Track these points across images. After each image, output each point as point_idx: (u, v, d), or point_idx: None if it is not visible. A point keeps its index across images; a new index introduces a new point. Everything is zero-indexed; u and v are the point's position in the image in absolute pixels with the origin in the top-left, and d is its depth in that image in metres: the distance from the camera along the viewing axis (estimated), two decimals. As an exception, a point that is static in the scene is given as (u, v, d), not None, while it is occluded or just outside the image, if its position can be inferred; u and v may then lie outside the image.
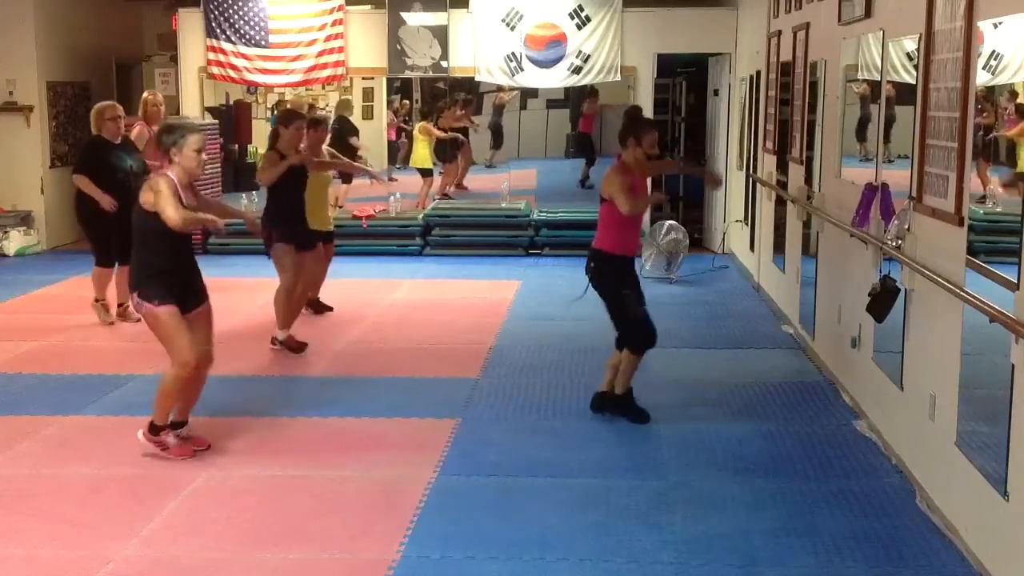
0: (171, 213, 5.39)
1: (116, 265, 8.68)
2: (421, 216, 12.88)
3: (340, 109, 14.76)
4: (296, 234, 8.02)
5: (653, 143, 6.25)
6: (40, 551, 4.70)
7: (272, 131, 8.35)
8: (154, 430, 5.75)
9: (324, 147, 9.01)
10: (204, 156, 5.72)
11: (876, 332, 6.08)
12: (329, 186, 9.04)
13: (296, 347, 8.02)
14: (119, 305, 8.94)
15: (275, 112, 14.90)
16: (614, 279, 6.28)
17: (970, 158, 4.68)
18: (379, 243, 12.55)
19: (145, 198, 5.50)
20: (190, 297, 5.70)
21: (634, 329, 6.29)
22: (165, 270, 5.60)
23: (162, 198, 5.41)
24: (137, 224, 5.63)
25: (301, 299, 8.40)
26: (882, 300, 5.60)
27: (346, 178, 14.00)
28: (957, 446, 4.71)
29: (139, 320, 8.58)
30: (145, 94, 10.16)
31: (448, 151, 15.16)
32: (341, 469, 5.68)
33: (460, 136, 15.15)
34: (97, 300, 8.93)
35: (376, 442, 6.11)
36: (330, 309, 9.43)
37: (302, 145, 8.28)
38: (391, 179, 14.88)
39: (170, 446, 5.74)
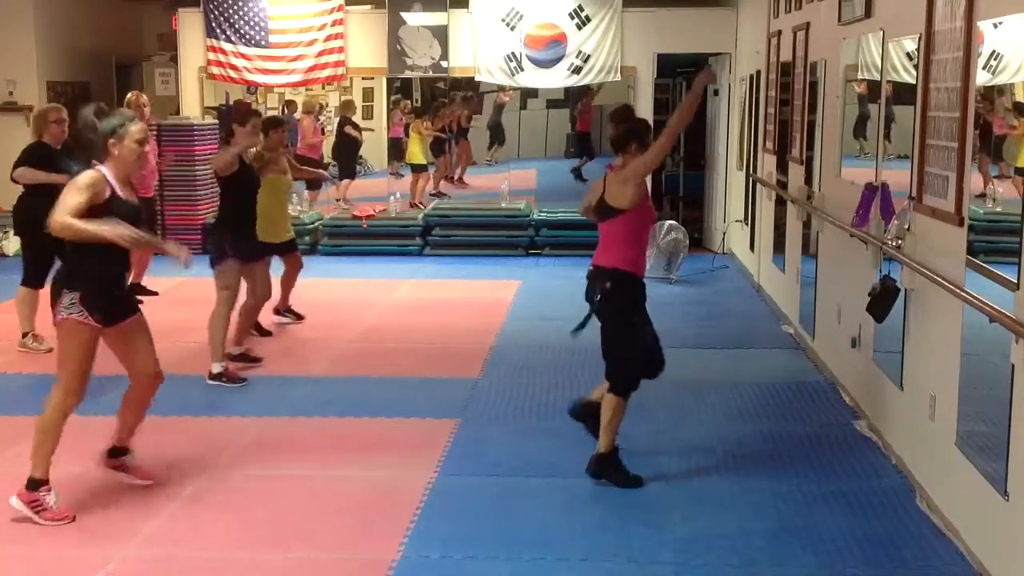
0: (56, 214, 4.76)
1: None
2: (421, 216, 12.88)
3: (343, 109, 14.77)
4: (243, 244, 7.32)
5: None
6: (40, 551, 4.70)
7: (228, 130, 7.80)
8: (33, 485, 4.98)
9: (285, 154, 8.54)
10: (146, 149, 5.13)
11: (876, 332, 6.07)
12: (289, 192, 8.53)
13: (239, 378, 7.21)
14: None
15: (285, 111, 14.92)
16: (628, 304, 5.50)
17: (970, 158, 4.69)
18: (379, 243, 12.56)
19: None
20: (120, 307, 5.10)
21: (623, 369, 5.51)
22: (103, 279, 4.98)
23: (66, 193, 4.80)
24: None
25: (253, 313, 7.85)
26: (882, 300, 5.59)
27: (347, 175, 14.03)
28: (957, 446, 4.71)
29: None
30: (129, 95, 9.92)
31: (447, 146, 15.17)
32: (341, 469, 5.68)
33: (442, 135, 15.09)
34: (25, 335, 8.02)
35: (376, 442, 6.11)
36: (301, 318, 8.96)
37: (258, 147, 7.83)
38: (398, 175, 14.90)
39: (48, 507, 4.95)
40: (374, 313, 9.57)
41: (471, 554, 4.65)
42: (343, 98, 15.09)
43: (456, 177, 15.88)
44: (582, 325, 5.55)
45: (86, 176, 4.89)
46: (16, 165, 7.96)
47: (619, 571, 4.51)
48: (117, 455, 5.42)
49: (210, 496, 5.33)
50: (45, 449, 5.03)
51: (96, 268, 4.95)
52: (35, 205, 7.47)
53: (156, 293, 9.54)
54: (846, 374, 6.93)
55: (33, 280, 7.94)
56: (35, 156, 7.92)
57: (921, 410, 5.18)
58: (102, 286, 4.98)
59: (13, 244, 12.49)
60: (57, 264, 7.72)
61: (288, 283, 8.84)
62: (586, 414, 5.88)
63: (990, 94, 4.76)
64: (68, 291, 4.94)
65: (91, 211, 4.85)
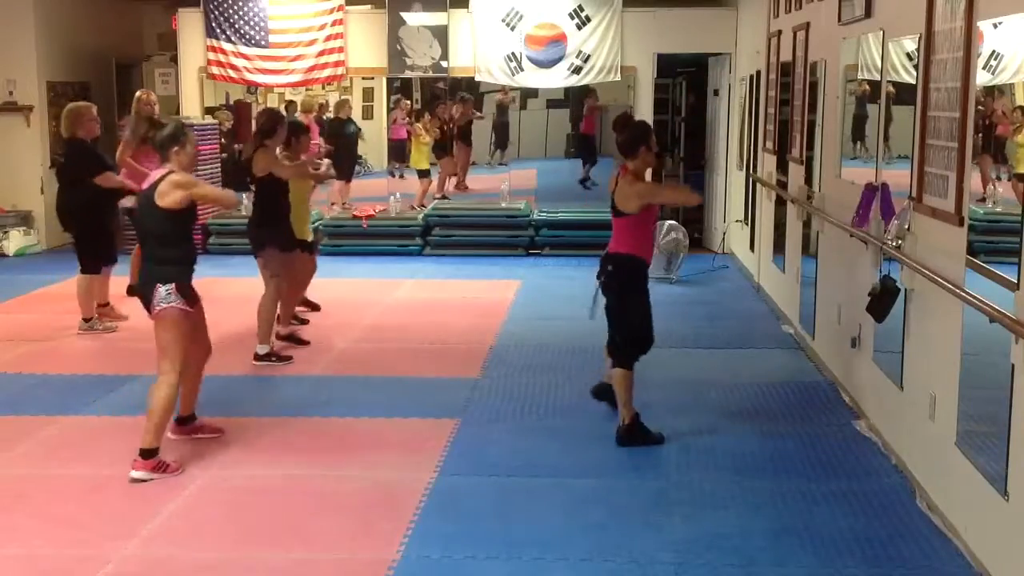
0: (219, 194, 5.78)
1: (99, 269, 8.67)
2: (421, 216, 12.88)
3: (336, 110, 14.71)
4: (280, 237, 7.86)
5: (654, 143, 6.21)
6: (40, 551, 4.70)
7: (258, 132, 8.08)
8: (149, 454, 5.51)
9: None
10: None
11: (876, 332, 6.08)
12: (310, 193, 8.85)
13: (285, 356, 7.81)
14: (102, 305, 8.78)
15: (284, 112, 14.84)
16: (625, 279, 6.10)
17: (970, 158, 4.69)
18: (379, 243, 12.56)
19: (171, 198, 5.46)
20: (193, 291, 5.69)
21: (628, 345, 6.13)
22: (189, 266, 5.64)
23: (202, 187, 5.69)
24: (158, 225, 5.55)
25: (293, 299, 8.42)
26: (882, 300, 5.60)
27: (345, 176, 13.98)
28: (957, 446, 4.71)
29: (121, 321, 8.73)
30: (138, 93, 9.95)
31: (449, 149, 15.12)
32: (341, 469, 5.68)
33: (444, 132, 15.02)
34: (87, 320, 8.60)
35: (376, 442, 6.11)
36: (316, 308, 9.30)
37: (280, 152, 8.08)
38: (400, 176, 14.86)
39: (170, 463, 5.57)
40: (374, 313, 9.57)
41: (471, 554, 4.65)
42: (341, 97, 15.00)
43: (456, 183, 15.69)
44: (593, 305, 6.17)
45: (184, 177, 5.55)
46: (93, 168, 8.44)
47: (619, 571, 4.51)
48: (187, 422, 6.02)
49: (210, 496, 5.33)
50: (164, 424, 5.62)
51: (186, 258, 5.64)
52: (75, 200, 8.43)
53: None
54: (846, 374, 6.93)
55: (91, 267, 8.59)
56: (96, 155, 8.53)
57: (921, 410, 5.18)
58: (189, 275, 5.63)
59: (13, 244, 12.53)
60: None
61: (301, 286, 8.99)
62: (603, 393, 6.49)
63: (993, 95, 4.75)
64: (162, 284, 5.48)
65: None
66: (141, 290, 5.63)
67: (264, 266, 7.82)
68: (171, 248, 5.58)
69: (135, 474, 5.45)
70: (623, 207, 6.00)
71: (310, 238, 8.76)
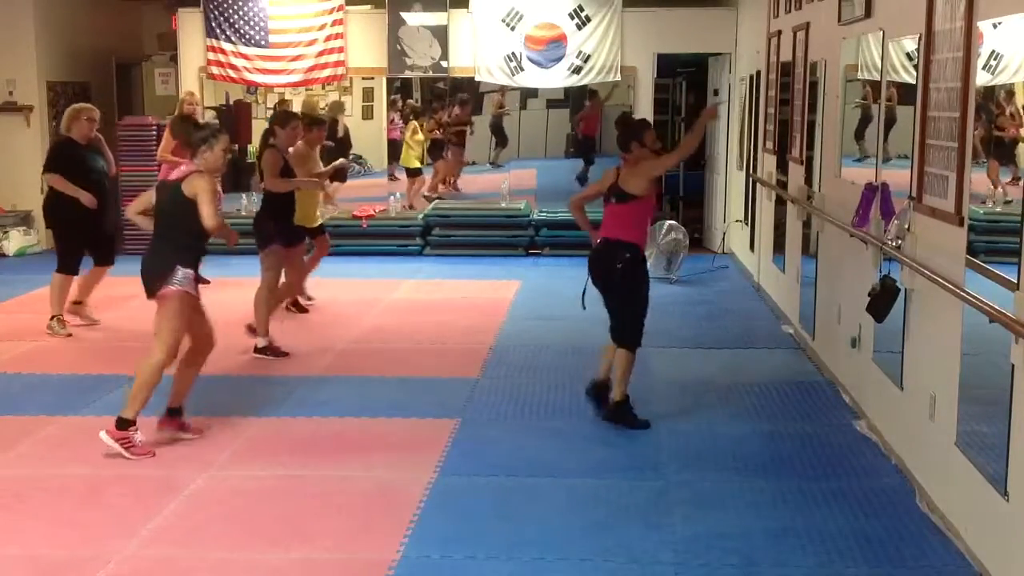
0: (210, 220, 5.75)
1: (79, 270, 8.64)
2: (421, 216, 12.88)
3: (330, 111, 14.66)
4: (285, 231, 8.18)
5: (654, 139, 6.58)
6: (40, 551, 4.70)
7: (267, 131, 8.78)
8: (123, 424, 5.75)
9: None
10: (228, 156, 6.19)
11: (876, 332, 6.08)
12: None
13: (282, 352, 7.91)
14: (76, 303, 8.74)
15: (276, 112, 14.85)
16: (644, 274, 6.47)
17: (970, 158, 4.69)
18: (379, 243, 12.55)
19: (189, 189, 5.80)
20: (200, 278, 5.94)
21: (640, 326, 6.42)
22: (197, 255, 5.93)
23: (205, 199, 5.75)
24: (175, 211, 5.82)
25: (283, 296, 8.64)
26: (882, 300, 5.60)
27: (339, 176, 13.97)
28: (957, 446, 4.71)
29: (96, 322, 8.77)
30: (183, 95, 10.65)
31: (445, 150, 15.11)
32: (341, 469, 5.68)
33: (453, 137, 15.02)
34: (53, 317, 8.46)
35: (376, 442, 6.11)
36: (304, 311, 9.46)
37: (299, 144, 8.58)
38: (393, 177, 14.84)
39: (136, 443, 5.74)
40: (374, 313, 9.57)
41: (471, 554, 4.65)
42: (333, 100, 14.87)
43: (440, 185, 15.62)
44: (584, 295, 6.44)
45: (205, 180, 5.82)
46: (47, 164, 8.61)
47: (619, 571, 4.51)
48: (175, 415, 6.05)
49: (210, 496, 5.33)
50: (144, 398, 5.81)
51: (194, 246, 5.91)
52: (64, 201, 8.33)
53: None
54: (846, 374, 6.93)
55: (68, 268, 8.54)
56: (64, 155, 8.48)
57: (921, 410, 5.18)
58: (196, 261, 5.93)
59: (13, 244, 12.53)
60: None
61: (311, 265, 9.37)
62: (599, 393, 6.51)
63: (1011, 99, 4.72)
64: (182, 267, 5.79)
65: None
66: (149, 272, 5.84)
67: (263, 258, 8.07)
68: (190, 236, 5.85)
69: (102, 435, 5.73)
70: (632, 189, 6.35)
71: (320, 222, 9.31)
